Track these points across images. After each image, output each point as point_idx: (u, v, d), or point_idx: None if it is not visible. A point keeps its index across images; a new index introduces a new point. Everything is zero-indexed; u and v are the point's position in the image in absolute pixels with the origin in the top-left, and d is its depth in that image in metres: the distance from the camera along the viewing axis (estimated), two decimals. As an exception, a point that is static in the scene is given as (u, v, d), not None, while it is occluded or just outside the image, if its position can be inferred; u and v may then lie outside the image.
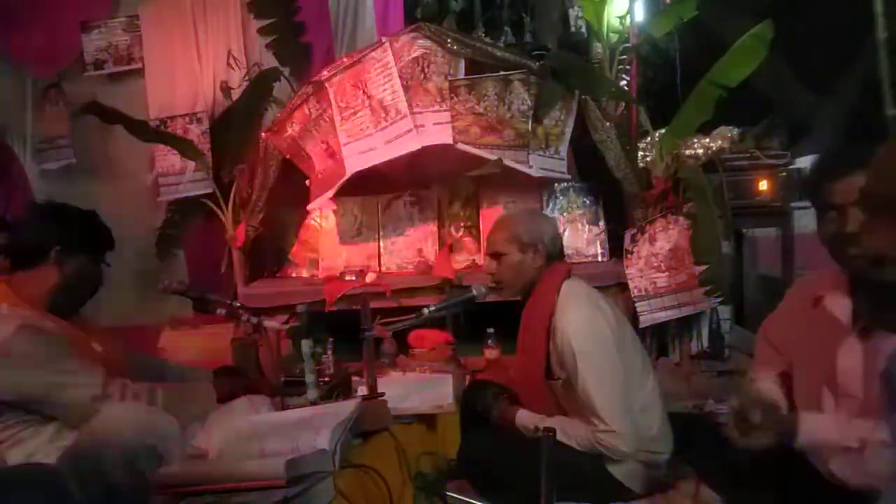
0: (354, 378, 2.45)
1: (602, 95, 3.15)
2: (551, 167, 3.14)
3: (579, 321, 1.98)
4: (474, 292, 2.24)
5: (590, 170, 3.36)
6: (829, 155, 1.56)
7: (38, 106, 3.90)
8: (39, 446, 1.72)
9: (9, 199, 3.85)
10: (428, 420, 2.27)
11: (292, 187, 3.44)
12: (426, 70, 3.09)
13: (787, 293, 1.79)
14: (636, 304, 2.99)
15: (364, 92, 3.10)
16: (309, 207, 3.36)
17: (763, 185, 3.14)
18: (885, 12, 3.02)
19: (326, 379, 2.53)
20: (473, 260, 3.29)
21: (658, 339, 3.12)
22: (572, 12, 3.93)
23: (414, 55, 3.09)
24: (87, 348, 1.89)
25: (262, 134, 3.26)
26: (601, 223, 3.30)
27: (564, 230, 3.25)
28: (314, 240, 3.50)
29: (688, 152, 3.22)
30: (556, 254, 2.15)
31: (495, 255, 2.16)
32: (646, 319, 2.98)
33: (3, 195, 3.83)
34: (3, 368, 1.70)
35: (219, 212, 3.44)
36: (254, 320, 2.11)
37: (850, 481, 1.39)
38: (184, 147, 3.43)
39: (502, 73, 3.05)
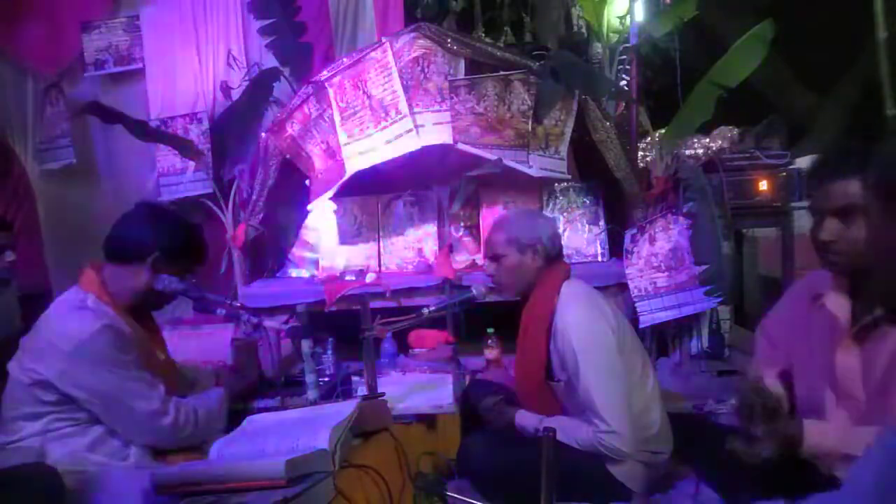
0: (354, 378, 2.45)
1: (602, 95, 3.15)
2: (551, 167, 3.14)
3: (580, 322, 1.98)
4: (474, 292, 2.24)
5: (590, 170, 3.37)
6: (819, 162, 1.58)
7: (39, 106, 3.90)
8: (79, 448, 1.74)
9: (10, 199, 3.85)
10: (428, 420, 2.27)
11: (292, 187, 3.44)
12: (426, 70, 3.09)
13: (787, 291, 1.80)
14: (636, 304, 2.99)
15: (364, 92, 3.11)
16: (309, 207, 3.36)
17: (763, 185, 3.13)
18: (885, 12, 3.01)
19: (326, 379, 2.53)
20: (473, 260, 3.29)
21: (658, 339, 3.12)
22: (574, 11, 3.93)
23: (414, 55, 3.09)
24: (152, 355, 1.92)
25: (262, 134, 3.26)
26: (601, 223, 3.30)
27: (564, 230, 3.25)
28: (314, 240, 3.50)
29: (688, 152, 3.22)
30: (555, 254, 2.15)
31: (494, 258, 2.16)
32: (646, 319, 2.98)
33: (5, 196, 3.83)
34: (78, 364, 1.72)
35: (219, 212, 3.44)
36: (254, 320, 2.11)
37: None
38: (184, 147, 3.43)
39: (502, 73, 3.05)
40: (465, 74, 3.07)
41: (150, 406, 1.78)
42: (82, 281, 1.87)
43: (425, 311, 2.15)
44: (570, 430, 1.94)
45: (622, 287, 3.02)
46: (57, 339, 1.75)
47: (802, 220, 3.19)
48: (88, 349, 1.72)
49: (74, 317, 1.78)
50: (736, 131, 3.35)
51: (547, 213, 3.24)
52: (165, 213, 2.03)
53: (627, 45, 3.30)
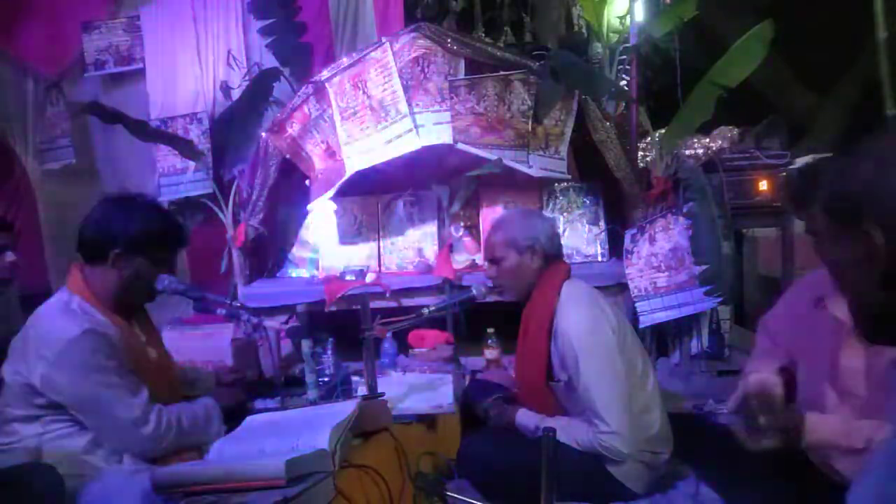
0: (354, 378, 2.45)
1: (602, 95, 3.15)
2: (551, 167, 3.15)
3: (580, 322, 1.98)
4: (474, 292, 2.24)
5: (590, 170, 3.37)
6: (798, 183, 1.58)
7: (40, 106, 3.90)
8: (76, 450, 1.72)
9: (10, 199, 3.85)
10: (428, 420, 2.26)
11: (292, 187, 3.44)
12: (426, 70, 3.09)
13: (788, 289, 1.80)
14: (636, 304, 2.99)
15: (364, 92, 3.11)
16: (309, 207, 3.36)
17: (763, 185, 3.14)
18: (885, 12, 3.01)
19: (326, 379, 2.53)
20: (473, 260, 3.30)
21: (658, 339, 3.12)
22: (574, 11, 3.94)
23: (414, 55, 3.09)
24: (141, 356, 1.88)
25: (262, 134, 3.26)
26: (601, 223, 3.30)
27: (564, 230, 3.26)
28: (314, 240, 3.50)
29: (688, 152, 3.23)
30: (554, 254, 2.14)
31: (494, 260, 2.16)
32: (646, 319, 2.98)
33: (5, 196, 3.84)
34: (58, 369, 1.69)
35: (219, 212, 3.44)
36: (254, 320, 2.10)
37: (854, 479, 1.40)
38: (184, 147, 3.43)
39: (502, 73, 3.05)
40: (465, 74, 3.07)
41: (130, 413, 1.73)
42: (69, 282, 1.84)
43: (425, 311, 2.14)
44: (570, 431, 1.94)
45: (622, 287, 3.02)
46: (39, 343, 1.72)
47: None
48: (68, 354, 1.69)
49: (57, 320, 1.75)
50: (736, 131, 3.36)
51: (547, 213, 3.24)
52: (122, 206, 1.91)
53: (627, 45, 3.31)
